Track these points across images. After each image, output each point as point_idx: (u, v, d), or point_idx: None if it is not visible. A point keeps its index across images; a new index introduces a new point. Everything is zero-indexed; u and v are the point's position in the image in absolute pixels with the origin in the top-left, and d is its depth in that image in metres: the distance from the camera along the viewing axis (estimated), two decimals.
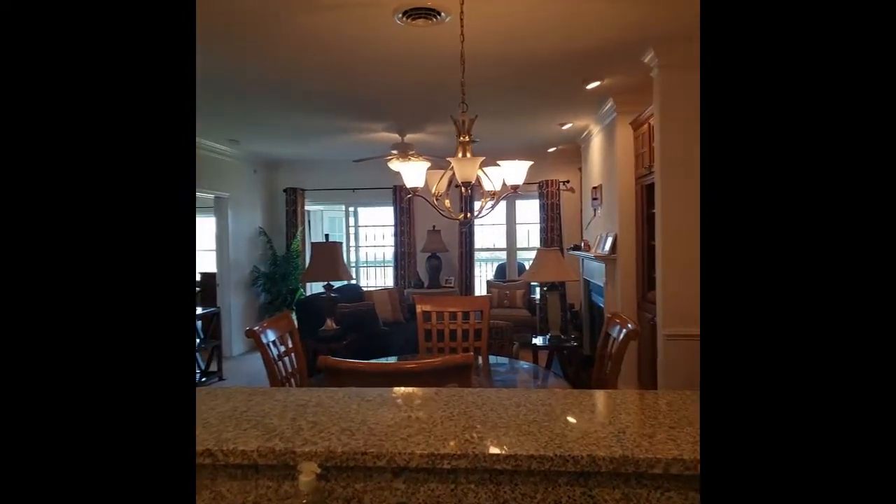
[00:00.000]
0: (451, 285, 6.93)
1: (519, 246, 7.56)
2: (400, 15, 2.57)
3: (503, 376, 2.89)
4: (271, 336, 2.40)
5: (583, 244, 5.55)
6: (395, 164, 4.95)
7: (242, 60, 3.18)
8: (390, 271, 7.31)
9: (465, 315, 3.22)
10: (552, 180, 6.77)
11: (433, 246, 6.75)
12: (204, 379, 5.20)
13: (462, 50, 2.24)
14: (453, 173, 2.20)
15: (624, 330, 2.12)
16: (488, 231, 8.12)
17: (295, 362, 2.59)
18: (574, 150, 6.26)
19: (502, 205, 7.52)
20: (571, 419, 1.02)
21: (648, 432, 0.93)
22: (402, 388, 1.25)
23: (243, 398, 1.20)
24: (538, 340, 4.35)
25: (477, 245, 7.27)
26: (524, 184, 2.15)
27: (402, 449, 0.91)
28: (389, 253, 7.36)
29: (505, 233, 7.49)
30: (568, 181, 6.77)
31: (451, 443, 0.92)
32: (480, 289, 7.42)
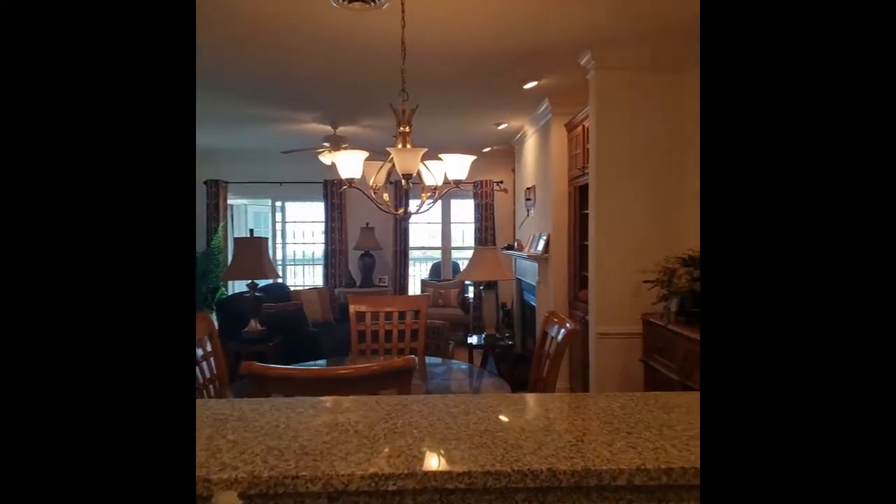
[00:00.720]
0: (385, 284, 6.78)
1: (454, 245, 7.55)
2: None
3: (439, 378, 2.82)
4: None
5: (516, 244, 5.61)
6: (328, 157, 4.74)
7: None
8: (320, 270, 7.04)
9: (402, 315, 3.12)
10: (486, 180, 6.83)
11: (366, 243, 6.57)
12: None
13: (403, 35, 2.13)
14: (392, 166, 2.09)
15: (563, 329, 2.10)
16: (423, 229, 8.05)
17: (214, 368, 2.37)
18: (507, 151, 6.32)
19: (437, 203, 7.48)
20: (526, 427, 0.95)
21: (607, 440, 0.88)
22: (339, 398, 1.13)
23: None
24: (473, 339, 4.33)
25: (411, 243, 7.17)
26: (460, 183, 2.08)
27: (340, 470, 0.79)
28: (319, 250, 7.08)
29: (440, 231, 7.45)
30: (501, 182, 6.85)
31: (397, 460, 0.82)
32: (414, 288, 7.33)
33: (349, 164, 1.94)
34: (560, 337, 2.11)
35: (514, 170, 6.29)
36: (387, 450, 0.86)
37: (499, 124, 5.10)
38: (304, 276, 7.54)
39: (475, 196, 6.88)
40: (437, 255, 7.64)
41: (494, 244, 6.72)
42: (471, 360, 4.12)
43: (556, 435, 0.91)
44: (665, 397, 1.08)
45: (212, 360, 2.36)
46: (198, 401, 1.12)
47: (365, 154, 1.96)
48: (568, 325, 2.09)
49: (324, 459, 0.83)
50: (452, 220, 7.43)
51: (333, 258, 6.82)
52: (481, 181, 6.81)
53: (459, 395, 1.15)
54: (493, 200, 6.88)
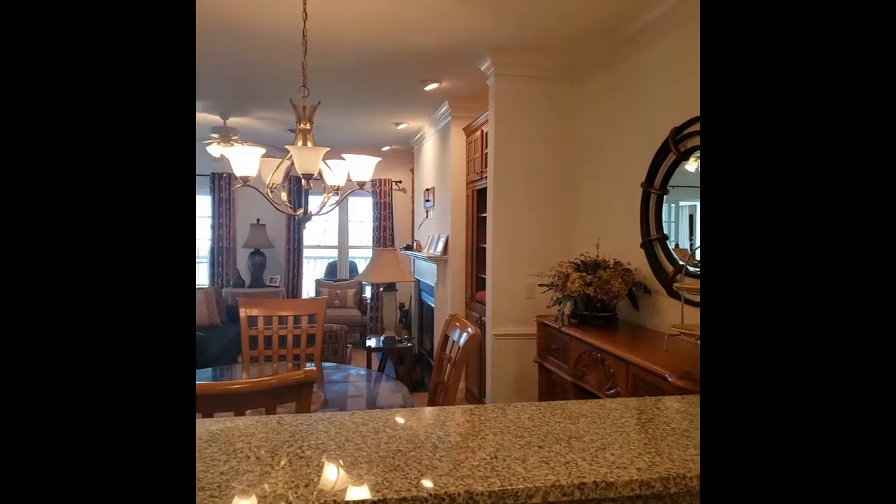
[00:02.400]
0: (277, 284, 6.44)
1: (351, 244, 7.37)
2: None
3: (337, 385, 2.73)
4: None
5: (415, 244, 5.62)
6: (216, 148, 4.39)
7: None
8: (205, 268, 6.51)
9: (297, 319, 2.97)
10: (385, 179, 6.77)
11: (257, 241, 6.20)
12: None
13: (305, 29, 2.02)
14: (291, 164, 1.98)
15: (465, 334, 2.13)
16: (318, 227, 7.77)
17: None
18: (407, 151, 6.32)
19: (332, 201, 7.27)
20: (438, 445, 0.94)
21: (520, 455, 0.89)
22: (235, 419, 1.03)
23: None
24: (372, 342, 4.25)
25: (306, 242, 6.89)
26: (364, 184, 2.03)
27: None
28: (204, 247, 6.55)
29: (336, 230, 7.24)
30: (400, 181, 6.82)
31: (305, 490, 0.76)
32: (309, 288, 7.05)
33: (244, 161, 1.80)
34: (462, 341, 2.14)
35: (412, 170, 6.30)
36: (289, 479, 0.80)
37: (398, 124, 5.07)
38: None
39: (374, 195, 6.79)
40: (334, 254, 7.42)
41: (393, 244, 6.68)
42: (369, 364, 4.05)
43: (469, 452, 0.91)
44: (570, 407, 1.12)
45: None
46: None
47: (262, 150, 1.83)
48: (470, 329, 2.12)
49: (222, 495, 0.75)
50: (350, 219, 7.27)
51: (220, 256, 6.34)
52: (380, 180, 6.73)
53: (367, 411, 1.11)
54: (391, 200, 6.83)
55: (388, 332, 4.28)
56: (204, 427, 0.99)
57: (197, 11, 2.56)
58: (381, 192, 6.77)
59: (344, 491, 0.77)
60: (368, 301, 6.61)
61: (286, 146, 1.86)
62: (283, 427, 1.01)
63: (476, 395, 3.83)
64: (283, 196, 2.07)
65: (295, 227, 6.56)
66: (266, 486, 0.78)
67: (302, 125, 1.95)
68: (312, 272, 7.92)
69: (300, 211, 1.92)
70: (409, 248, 5.74)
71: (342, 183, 2.14)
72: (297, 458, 0.87)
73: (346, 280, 6.91)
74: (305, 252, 6.90)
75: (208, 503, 0.73)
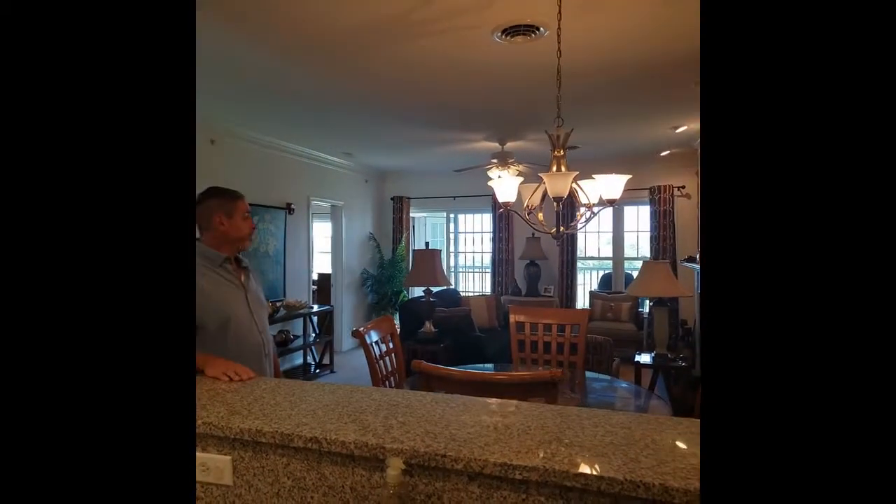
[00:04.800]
0: (550, 294, 6.84)
1: (626, 255, 7.23)
2: (499, 34, 2.65)
3: (600, 394, 2.84)
4: (374, 337, 2.60)
5: (699, 256, 5.21)
6: (495, 172, 5.04)
7: (352, 82, 3.46)
8: (488, 277, 7.40)
9: (561, 328, 3.21)
10: (665, 185, 6.38)
11: (532, 253, 6.73)
12: (317, 371, 5.66)
13: (559, 65, 2.26)
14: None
15: None
16: (593, 239, 7.89)
17: (395, 362, 2.77)
18: (690, 154, 5.90)
19: (608, 211, 7.28)
20: (650, 445, 1.02)
21: None
22: (484, 400, 1.32)
23: (345, 394, 1.35)
24: (642, 358, 4.15)
25: (580, 253, 7.10)
26: (633, 189, 2.12)
27: (477, 455, 0.98)
28: (488, 259, 7.46)
29: (611, 241, 7.20)
30: (684, 187, 6.36)
31: (525, 455, 0.98)
32: (582, 299, 7.24)
33: (505, 189, 2.14)
34: None
35: (698, 173, 5.84)
36: (518, 446, 1.02)
37: (676, 127, 4.84)
38: (474, 283, 8.00)
39: (651, 202, 6.48)
40: (609, 265, 7.42)
41: (674, 255, 6.29)
42: (637, 380, 3.98)
43: (679, 457, 0.97)
44: None
45: (393, 356, 2.76)
46: (379, 389, 1.41)
47: (520, 180, 2.14)
48: None
49: (466, 446, 1.02)
50: (626, 229, 7.14)
51: (500, 267, 7.11)
52: (659, 186, 6.39)
53: (595, 409, 1.25)
54: (672, 207, 6.41)
55: (659, 348, 4.13)
56: (462, 401, 1.30)
57: (471, 63, 3.10)
58: (661, 200, 6.42)
59: (554, 461, 0.95)
60: (645, 315, 6.39)
61: (540, 174, 2.13)
62: (520, 410, 1.24)
63: None
64: (540, 216, 2.34)
65: (569, 240, 6.85)
66: (496, 447, 1.02)
67: (556, 152, 2.19)
68: (588, 283, 8.08)
69: (553, 230, 2.15)
70: (692, 259, 5.34)
71: (595, 201, 2.29)
72: (524, 433, 1.09)
73: (622, 293, 6.82)
74: (581, 263, 7.11)
75: (456, 449, 1.01)
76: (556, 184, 1.98)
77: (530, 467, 0.94)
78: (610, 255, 7.29)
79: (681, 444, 1.03)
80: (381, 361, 2.61)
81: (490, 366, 3.53)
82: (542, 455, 0.98)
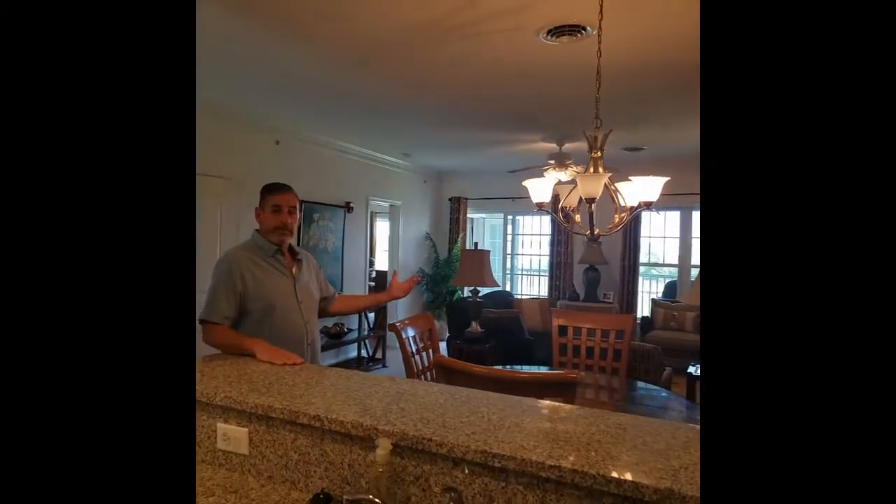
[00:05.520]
0: (610, 300, 6.65)
1: (694, 262, 6.87)
2: (544, 34, 2.65)
3: (647, 404, 2.75)
4: (410, 332, 2.68)
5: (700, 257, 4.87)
6: (553, 174, 4.99)
7: (402, 86, 3.58)
8: (546, 281, 7.31)
9: (604, 333, 3.14)
10: None
11: (591, 257, 6.58)
12: (370, 364, 5.86)
13: (599, 65, 2.24)
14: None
15: None
16: (658, 244, 7.58)
17: (431, 358, 2.84)
18: None
19: (675, 216, 6.95)
20: (641, 447, 1.02)
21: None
22: (486, 393, 1.35)
23: (358, 381, 1.43)
24: (694, 369, 3.96)
25: (643, 259, 6.85)
26: (651, 205, 2.06)
27: (461, 442, 1.02)
28: (546, 262, 7.37)
29: (678, 246, 6.86)
30: None
31: (505, 445, 1.01)
32: (643, 307, 6.97)
33: (539, 189, 2.14)
34: None
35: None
36: (503, 437, 1.05)
37: None
38: (531, 287, 7.93)
39: None
40: (675, 272, 7.09)
41: None
42: (689, 394, 3.80)
43: (662, 457, 0.97)
44: None
45: (430, 351, 2.84)
46: (389, 378, 1.48)
47: (554, 180, 2.14)
48: None
49: (453, 433, 1.07)
50: (694, 235, 6.77)
51: (558, 270, 7.01)
52: None
53: (591, 409, 1.25)
54: None
55: None
56: (465, 393, 1.34)
57: (519, 63, 3.11)
58: None
59: (530, 452, 0.97)
60: None
61: (575, 175, 2.11)
62: (520, 405, 1.26)
63: None
64: (577, 218, 2.32)
65: (632, 244, 6.64)
66: (481, 436, 1.06)
67: (593, 153, 2.17)
68: (651, 290, 7.77)
69: (588, 232, 2.14)
70: None
71: (634, 203, 2.24)
72: (514, 427, 1.12)
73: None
74: (644, 270, 6.84)
75: (442, 434, 1.06)
76: (589, 185, 1.97)
77: (507, 456, 0.97)
78: (675, 261, 6.96)
79: (671, 447, 1.02)
80: (418, 356, 2.69)
81: (544, 367, 3.51)
82: (520, 445, 1.01)
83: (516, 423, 1.14)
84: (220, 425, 1.29)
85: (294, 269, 1.94)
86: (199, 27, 2.64)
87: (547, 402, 1.29)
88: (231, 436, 1.27)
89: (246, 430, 1.26)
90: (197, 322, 1.67)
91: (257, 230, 1.94)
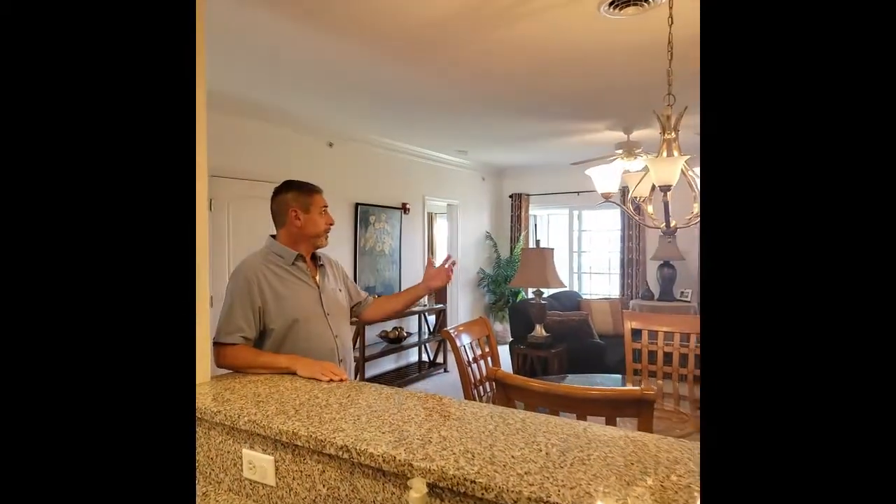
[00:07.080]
0: (688, 299, 6.14)
1: None
2: (606, 6, 2.39)
3: None
4: (465, 339, 2.50)
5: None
6: (621, 163, 4.65)
7: (454, 76, 3.40)
8: (616, 279, 6.89)
9: (684, 337, 2.82)
10: None
11: (666, 253, 6.10)
12: (430, 368, 5.74)
13: (670, 34, 1.95)
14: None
15: None
16: None
17: (489, 367, 2.64)
18: None
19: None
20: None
21: None
22: (548, 417, 1.14)
23: (398, 400, 1.26)
24: None
25: None
26: None
27: (511, 485, 0.83)
28: (616, 259, 6.94)
29: None
30: None
31: (567, 491, 0.80)
32: None
33: (604, 178, 1.89)
34: None
35: None
36: (565, 479, 0.84)
37: None
38: (601, 286, 7.50)
39: None
40: None
41: None
42: None
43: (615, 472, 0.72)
44: None
45: (489, 359, 2.64)
46: (435, 396, 1.30)
47: (622, 167, 1.88)
48: None
49: (502, 472, 0.87)
50: None
51: (629, 268, 6.58)
52: None
53: (676, 440, 1.01)
54: None
55: None
56: (520, 417, 1.14)
57: (576, 43, 2.85)
58: None
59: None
60: None
61: (646, 160, 1.85)
62: (585, 434, 1.05)
63: None
64: (650, 209, 2.05)
65: None
66: (537, 476, 0.86)
67: (666, 135, 1.89)
68: None
69: (662, 224, 1.86)
70: None
71: None
72: (579, 463, 0.90)
73: None
74: None
75: (489, 475, 0.87)
76: (662, 170, 1.70)
77: None
78: None
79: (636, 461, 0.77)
80: (475, 365, 2.51)
81: (610, 377, 3.22)
82: (586, 491, 0.79)
83: (581, 458, 0.92)
84: (246, 451, 1.17)
85: (318, 277, 1.72)
86: (253, 31, 2.60)
87: (618, 432, 1.06)
88: (257, 464, 1.15)
89: (272, 458, 1.13)
90: (210, 344, 1.48)
91: (273, 235, 1.72)
